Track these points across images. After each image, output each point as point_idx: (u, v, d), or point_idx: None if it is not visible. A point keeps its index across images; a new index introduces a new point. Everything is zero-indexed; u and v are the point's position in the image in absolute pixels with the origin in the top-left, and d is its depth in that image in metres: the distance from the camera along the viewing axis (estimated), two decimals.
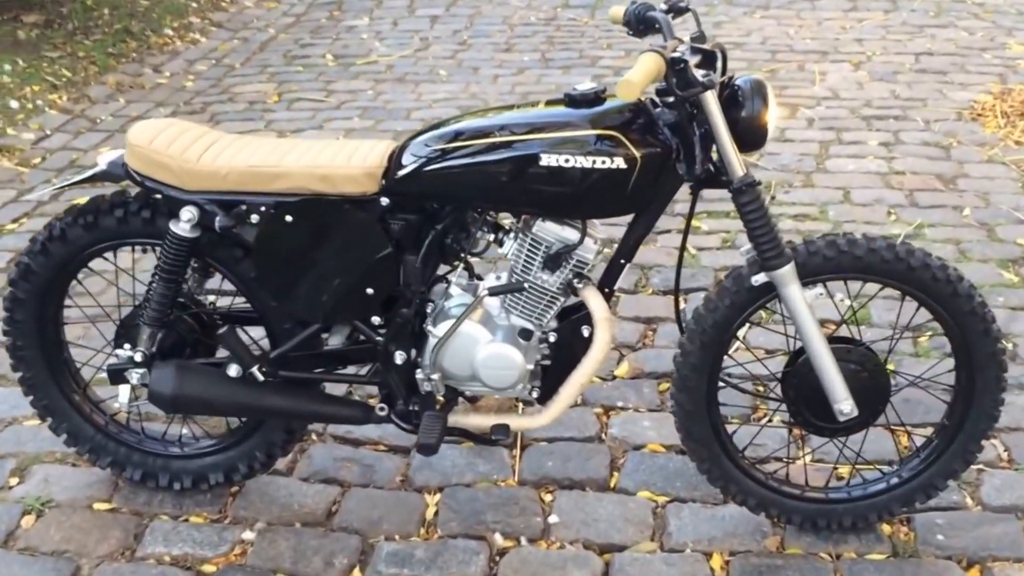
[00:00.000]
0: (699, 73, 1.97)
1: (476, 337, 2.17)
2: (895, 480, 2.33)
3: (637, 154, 2.00)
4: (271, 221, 2.13)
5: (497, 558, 2.34)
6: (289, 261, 2.16)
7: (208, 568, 2.31)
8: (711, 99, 1.99)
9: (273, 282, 2.19)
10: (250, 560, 2.33)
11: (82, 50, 6.15)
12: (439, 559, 2.32)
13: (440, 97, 5.51)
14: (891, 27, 6.31)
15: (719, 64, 2.06)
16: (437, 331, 2.18)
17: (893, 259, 2.12)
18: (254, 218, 2.14)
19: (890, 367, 2.34)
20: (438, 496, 2.53)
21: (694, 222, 3.12)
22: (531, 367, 2.18)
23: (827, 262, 2.13)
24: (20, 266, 2.32)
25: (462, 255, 2.22)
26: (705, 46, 2.03)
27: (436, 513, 2.47)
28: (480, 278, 2.31)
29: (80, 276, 2.42)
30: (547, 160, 2.01)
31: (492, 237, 2.20)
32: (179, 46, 6.63)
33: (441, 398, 2.29)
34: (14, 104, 5.34)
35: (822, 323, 2.21)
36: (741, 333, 2.66)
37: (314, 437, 2.72)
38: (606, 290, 2.22)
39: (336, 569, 2.30)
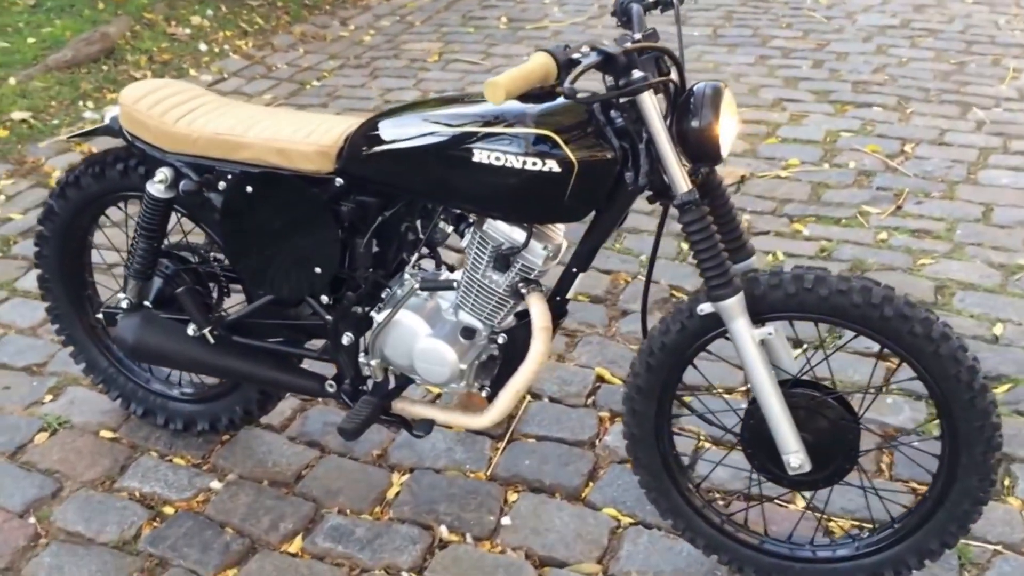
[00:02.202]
0: (636, 75, 1.80)
1: (415, 329, 2.12)
2: (865, 547, 2.08)
3: (574, 159, 1.86)
4: (233, 190, 2.16)
5: (436, 551, 2.31)
6: (247, 231, 2.19)
7: (168, 510, 2.42)
8: (647, 103, 1.81)
9: (233, 249, 2.23)
10: (208, 509, 2.42)
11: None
12: (376, 541, 2.32)
13: None
14: None
15: (677, 68, 1.87)
16: (379, 317, 2.15)
17: (864, 304, 1.86)
18: (221, 185, 2.19)
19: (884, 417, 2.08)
20: (405, 477, 2.52)
21: None
22: (464, 366, 2.10)
23: (789, 299, 1.90)
24: (46, 206, 2.50)
25: (420, 245, 2.17)
26: (654, 45, 1.84)
27: (397, 494, 2.47)
28: (452, 269, 2.25)
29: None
30: (479, 156, 1.90)
31: (451, 228, 2.14)
32: (372, 1, 6.85)
33: (392, 383, 2.26)
34: (203, 47, 5.73)
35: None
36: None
37: (320, 400, 2.79)
38: (558, 298, 2.11)
39: (279, 533, 2.35)
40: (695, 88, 1.85)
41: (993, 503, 2.30)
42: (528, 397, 2.78)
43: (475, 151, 1.90)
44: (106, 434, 2.68)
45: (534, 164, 1.86)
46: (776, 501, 2.31)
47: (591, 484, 2.48)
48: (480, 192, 1.95)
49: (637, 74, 1.79)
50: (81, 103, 4.85)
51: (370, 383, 2.25)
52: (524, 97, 1.94)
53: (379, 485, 2.49)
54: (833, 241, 3.52)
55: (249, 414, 2.53)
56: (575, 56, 1.76)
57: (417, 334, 2.11)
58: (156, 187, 2.23)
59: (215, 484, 2.50)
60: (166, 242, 2.42)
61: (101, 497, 2.46)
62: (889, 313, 1.84)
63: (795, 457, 1.94)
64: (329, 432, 2.66)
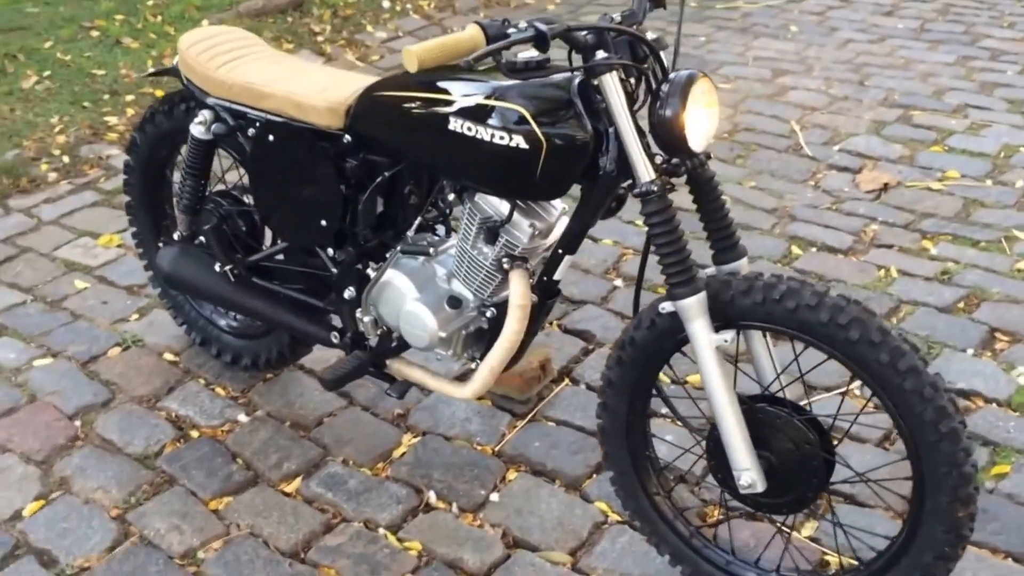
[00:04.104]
0: (599, 55, 1.78)
1: (403, 291, 2.20)
2: None
3: (542, 137, 1.86)
4: (258, 137, 2.33)
5: (421, 514, 2.40)
6: (268, 178, 2.35)
7: (193, 433, 2.65)
8: (608, 85, 1.78)
9: (257, 194, 2.40)
10: (228, 439, 2.63)
11: None
12: (364, 496, 2.44)
13: (763, 55, 5.20)
14: None
15: (658, 54, 1.83)
16: (374, 276, 2.25)
17: (830, 322, 1.75)
18: (250, 131, 2.36)
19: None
20: (416, 440, 2.62)
21: None
22: (443, 334, 2.16)
23: (756, 308, 1.82)
24: (131, 137, 2.79)
25: (422, 209, 2.24)
26: (622, 28, 1.80)
27: (403, 454, 2.57)
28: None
29: None
30: (453, 125, 1.94)
31: (452, 196, 2.19)
32: None
33: (395, 342, 2.35)
34: (386, 3, 6.02)
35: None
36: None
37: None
38: (545, 279, 2.12)
39: (282, 471, 2.52)
40: (671, 76, 1.81)
41: None
42: (566, 381, 2.80)
43: (450, 120, 1.95)
44: (168, 356, 2.95)
45: (502, 139, 1.89)
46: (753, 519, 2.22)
47: (593, 476, 2.48)
48: (456, 162, 2.00)
49: (600, 55, 1.78)
50: None
51: (374, 339, 2.36)
52: (517, 71, 1.95)
53: (389, 443, 2.60)
54: (960, 264, 3.26)
55: (283, 355, 2.72)
56: (510, 31, 1.76)
57: (405, 297, 2.20)
58: (197, 128, 2.44)
59: (242, 417, 2.70)
60: (223, 185, 2.62)
61: (142, 412, 2.72)
62: (855, 336, 1.73)
63: (746, 475, 1.87)
64: (361, 384, 2.79)
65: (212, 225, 2.49)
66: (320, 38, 5.53)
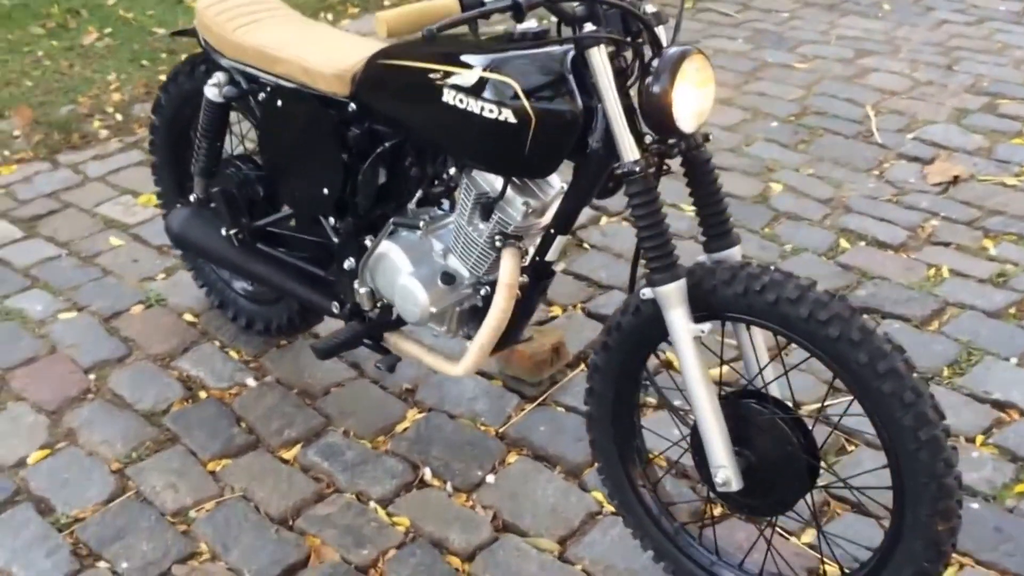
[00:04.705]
0: (587, 28, 1.78)
1: (398, 265, 2.24)
2: None
3: (531, 112, 1.88)
4: (267, 101, 2.39)
5: (415, 489, 2.45)
6: (275, 143, 2.41)
7: (202, 394, 2.75)
8: (594, 59, 1.77)
9: (265, 158, 2.47)
10: (235, 402, 2.72)
11: None
12: (358, 468, 2.50)
13: (848, 34, 5.08)
14: None
15: (652, 28, 1.82)
16: (370, 248, 2.30)
17: (810, 317, 1.73)
18: (261, 95, 2.43)
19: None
20: (420, 416, 2.67)
21: None
22: (434, 310, 2.19)
23: (737, 299, 1.80)
24: (156, 98, 2.89)
25: (423, 182, 2.27)
26: (619, 3, 1.79)
27: (405, 430, 2.63)
28: None
29: None
30: (446, 96, 1.97)
31: (453, 170, 2.22)
32: None
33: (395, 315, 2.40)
34: None
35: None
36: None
37: None
38: (537, 259, 2.13)
39: (282, 438, 2.60)
40: (663, 52, 1.80)
41: None
42: (582, 366, 2.81)
43: (444, 91, 1.97)
44: (188, 317, 3.06)
45: (491, 112, 1.91)
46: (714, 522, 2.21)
47: (594, 465, 2.48)
48: (449, 134, 2.03)
49: (588, 27, 1.78)
50: (322, 14, 5.35)
51: (375, 311, 2.41)
52: (517, 41, 1.96)
53: (393, 417, 2.66)
54: (1019, 267, 3.16)
55: (292, 323, 2.79)
56: (486, 0, 1.77)
57: (400, 270, 2.24)
58: (210, 90, 2.51)
59: (251, 381, 2.79)
60: (242, 148, 2.70)
61: (155, 370, 2.83)
62: (835, 333, 1.71)
63: (722, 472, 1.87)
64: (372, 356, 2.85)
65: (221, 188, 2.57)
66: (387, 1, 5.60)
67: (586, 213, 3.10)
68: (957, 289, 3.06)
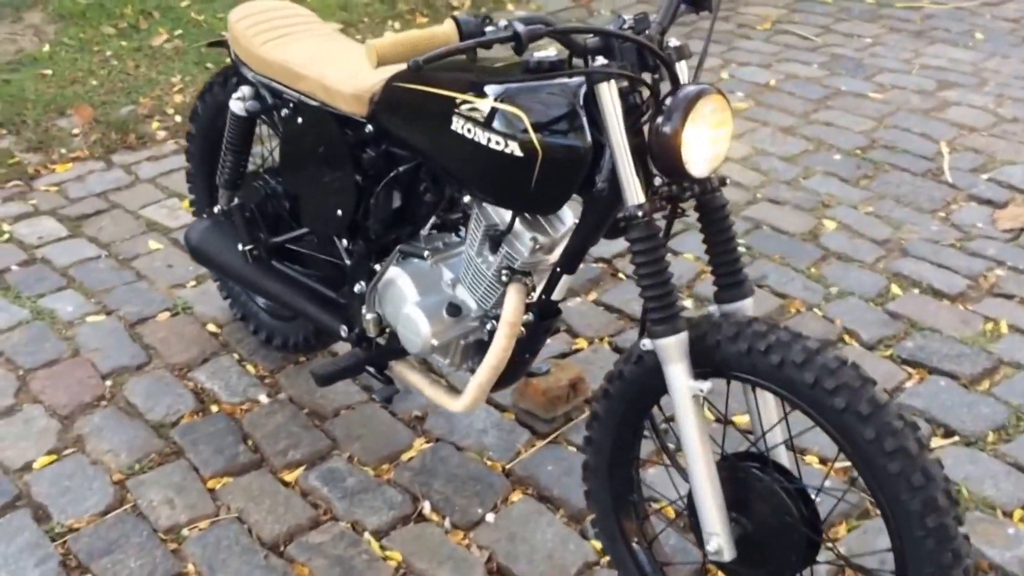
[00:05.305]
0: (599, 61, 1.68)
1: (404, 293, 2.17)
2: None
3: (538, 146, 1.78)
4: (290, 117, 2.35)
5: (412, 523, 2.37)
6: (295, 160, 2.36)
7: (213, 408, 2.72)
8: (603, 95, 1.68)
9: (284, 175, 2.42)
10: (244, 418, 2.69)
11: None
12: (357, 496, 2.43)
13: (933, 63, 4.86)
14: None
15: (671, 64, 1.72)
16: (378, 273, 2.23)
17: (816, 385, 1.60)
18: (284, 111, 2.38)
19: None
20: (428, 445, 2.59)
21: None
22: (436, 343, 2.11)
23: (741, 357, 1.69)
24: (193, 106, 2.88)
25: (437, 208, 2.20)
26: (629, 35, 1.69)
27: (410, 459, 2.55)
28: None
29: None
30: (455, 125, 1.89)
31: (467, 199, 2.13)
32: None
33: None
34: None
35: None
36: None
37: None
38: (543, 297, 2.04)
39: (286, 459, 2.55)
40: (678, 90, 1.69)
41: None
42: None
43: (453, 118, 1.90)
44: (211, 327, 3.04)
45: (497, 144, 1.83)
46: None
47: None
48: (456, 163, 1.95)
49: (600, 60, 1.68)
50: (390, 22, 5.33)
51: (383, 338, 2.34)
52: (532, 70, 1.86)
53: (399, 445, 2.59)
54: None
55: (308, 342, 2.75)
56: (488, 29, 1.67)
57: (405, 299, 2.17)
58: (235, 103, 2.48)
59: (263, 398, 2.75)
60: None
61: (171, 380, 2.82)
62: (841, 404, 1.58)
63: (715, 540, 1.75)
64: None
65: (240, 203, 2.54)
66: (457, 13, 5.54)
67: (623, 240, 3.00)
68: (1015, 347, 2.87)
